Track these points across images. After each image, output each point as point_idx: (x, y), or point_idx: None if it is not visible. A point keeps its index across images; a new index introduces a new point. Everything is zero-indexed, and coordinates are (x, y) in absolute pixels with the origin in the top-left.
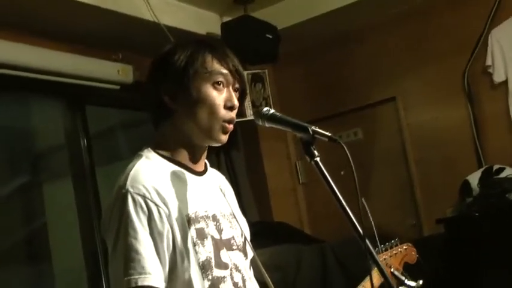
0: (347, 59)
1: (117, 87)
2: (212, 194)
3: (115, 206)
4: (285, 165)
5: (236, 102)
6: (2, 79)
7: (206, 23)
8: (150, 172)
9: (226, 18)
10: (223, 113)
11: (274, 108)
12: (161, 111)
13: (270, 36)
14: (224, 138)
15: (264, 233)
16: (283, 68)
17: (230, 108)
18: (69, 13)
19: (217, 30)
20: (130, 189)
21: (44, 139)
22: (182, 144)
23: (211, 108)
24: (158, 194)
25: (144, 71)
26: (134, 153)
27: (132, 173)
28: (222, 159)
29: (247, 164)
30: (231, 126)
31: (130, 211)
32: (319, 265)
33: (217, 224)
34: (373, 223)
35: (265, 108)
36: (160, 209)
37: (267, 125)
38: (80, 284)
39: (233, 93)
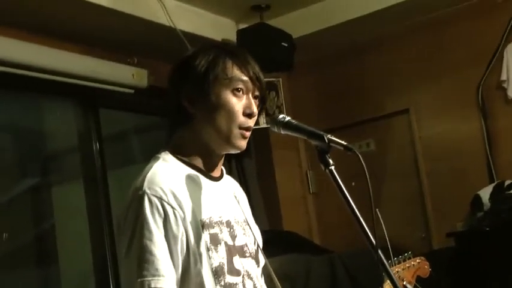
0: (361, 69)
1: (132, 91)
2: (227, 200)
3: (131, 207)
4: (296, 174)
5: (255, 110)
6: (17, 79)
7: (222, 29)
8: (167, 175)
9: (242, 26)
10: (242, 120)
11: None
12: (180, 115)
13: (285, 45)
14: (243, 144)
15: (274, 241)
16: (297, 77)
17: (249, 115)
18: (86, 15)
19: (232, 37)
20: (148, 191)
21: (56, 141)
22: (200, 149)
23: (230, 115)
24: (175, 196)
25: (158, 76)
26: (146, 158)
27: (149, 175)
28: (233, 166)
29: (259, 172)
30: (248, 134)
31: (147, 213)
32: (329, 276)
33: (231, 230)
34: (386, 235)
35: (281, 116)
36: (176, 211)
37: (282, 132)
38: None
39: (252, 101)
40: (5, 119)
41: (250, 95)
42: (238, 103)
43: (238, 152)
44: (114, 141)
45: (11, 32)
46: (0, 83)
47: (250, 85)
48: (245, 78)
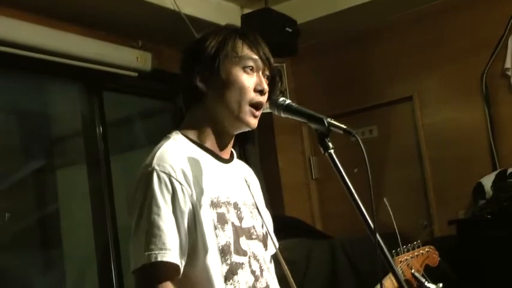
0: (365, 56)
1: (135, 74)
2: (236, 183)
3: (140, 182)
4: (299, 160)
5: (266, 86)
6: (22, 61)
7: (227, 14)
8: (177, 153)
9: (247, 10)
10: (253, 95)
11: None
12: (192, 94)
13: (290, 30)
14: (254, 122)
15: (276, 227)
16: (301, 62)
17: (260, 91)
18: None
19: (237, 21)
20: (157, 167)
21: (60, 124)
22: (211, 129)
23: (241, 90)
24: (184, 174)
25: (162, 60)
26: (150, 142)
27: (159, 152)
28: (236, 151)
29: (261, 157)
30: (259, 112)
31: (155, 188)
32: (329, 261)
33: (238, 212)
34: (395, 223)
35: (282, 98)
36: (184, 188)
37: (282, 115)
38: (89, 271)
39: (263, 79)
40: (10, 101)
41: (260, 73)
42: (248, 79)
43: (249, 130)
44: (117, 125)
45: (17, 13)
46: (5, 64)
47: (260, 64)
48: (255, 56)
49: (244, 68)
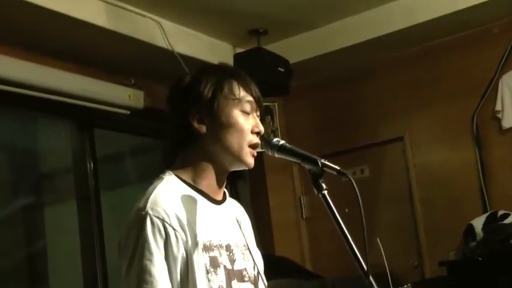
0: (357, 96)
1: (127, 112)
2: (228, 224)
3: (133, 227)
4: (290, 199)
5: (262, 128)
6: (12, 97)
7: (219, 53)
8: (170, 196)
9: (239, 50)
10: (251, 138)
11: None
12: (187, 136)
13: (282, 70)
14: (252, 161)
15: (266, 266)
16: (293, 102)
17: (257, 133)
18: (84, 35)
19: (230, 60)
20: (150, 212)
21: (50, 160)
22: (208, 169)
23: (241, 133)
24: (178, 218)
25: (155, 98)
26: (140, 179)
27: (152, 196)
28: (227, 189)
29: (252, 196)
30: (256, 152)
31: (148, 234)
32: None
33: (231, 254)
34: (386, 264)
35: (276, 139)
36: (177, 233)
37: (276, 155)
38: None
39: (257, 119)
40: (1, 137)
41: (255, 114)
42: (246, 122)
43: (246, 168)
44: (108, 162)
45: (8, 50)
46: None
47: (255, 105)
48: (251, 98)
49: (242, 111)
